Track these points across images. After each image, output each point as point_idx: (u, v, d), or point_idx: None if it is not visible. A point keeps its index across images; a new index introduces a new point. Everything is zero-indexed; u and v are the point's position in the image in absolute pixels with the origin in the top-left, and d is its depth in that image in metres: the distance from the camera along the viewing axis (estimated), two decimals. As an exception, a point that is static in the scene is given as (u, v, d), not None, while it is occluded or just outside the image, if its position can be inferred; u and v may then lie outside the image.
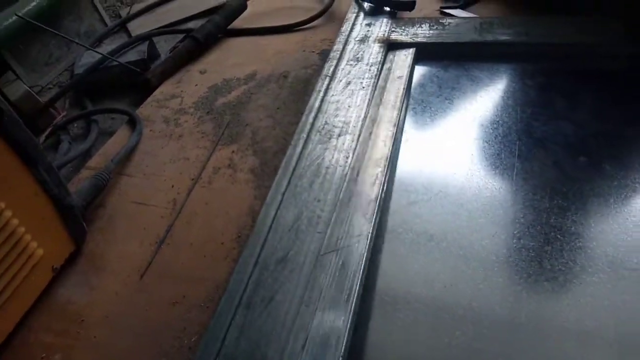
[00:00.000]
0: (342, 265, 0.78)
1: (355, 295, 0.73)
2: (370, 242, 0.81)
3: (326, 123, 1.06)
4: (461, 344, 0.71)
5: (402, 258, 0.83)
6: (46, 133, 1.31)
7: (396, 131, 1.03)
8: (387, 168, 0.95)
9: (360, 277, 0.75)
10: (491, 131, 1.03)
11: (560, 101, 1.09)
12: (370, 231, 0.82)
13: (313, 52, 1.47)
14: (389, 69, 1.23)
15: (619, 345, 0.69)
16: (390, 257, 0.84)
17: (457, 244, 0.83)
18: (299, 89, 1.31)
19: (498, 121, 1.05)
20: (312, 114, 1.09)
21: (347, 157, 0.96)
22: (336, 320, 0.70)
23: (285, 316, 0.72)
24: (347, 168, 0.94)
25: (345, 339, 0.68)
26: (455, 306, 0.75)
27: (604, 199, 0.88)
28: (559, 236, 0.82)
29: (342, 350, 0.67)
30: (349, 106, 1.10)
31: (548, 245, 0.81)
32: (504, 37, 1.23)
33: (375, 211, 0.86)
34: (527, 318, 0.73)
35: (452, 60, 1.25)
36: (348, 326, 0.69)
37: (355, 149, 0.99)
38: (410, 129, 1.08)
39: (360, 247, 0.80)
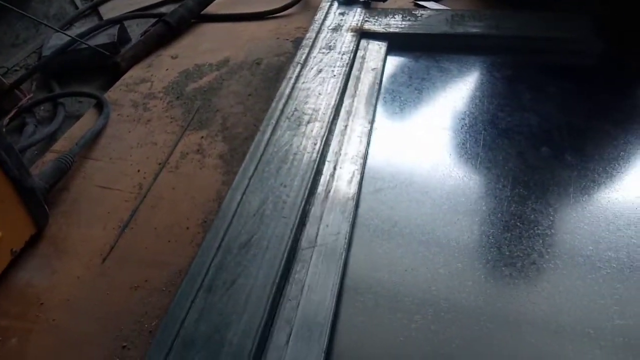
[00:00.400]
0: (322, 261, 0.79)
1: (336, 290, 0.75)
2: (348, 241, 0.82)
3: (296, 110, 1.06)
4: (420, 327, 0.72)
5: (366, 243, 0.84)
6: (10, 115, 1.27)
7: (371, 127, 1.04)
8: (363, 166, 0.96)
9: (339, 274, 0.77)
10: (458, 121, 1.05)
11: (527, 94, 1.11)
12: (348, 230, 0.83)
13: (287, 40, 1.46)
14: (363, 58, 1.24)
15: (572, 329, 0.71)
16: (355, 242, 0.84)
17: (419, 230, 0.84)
18: (272, 76, 1.31)
19: (465, 112, 1.07)
20: (282, 101, 1.09)
21: (315, 144, 0.97)
22: (318, 316, 0.72)
23: (246, 299, 0.72)
24: (314, 154, 0.94)
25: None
26: (415, 290, 0.76)
27: (563, 189, 0.90)
28: (518, 224, 0.84)
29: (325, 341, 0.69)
30: (319, 94, 1.10)
31: (508, 232, 0.83)
32: (474, 30, 1.25)
33: (353, 210, 0.87)
34: (485, 302, 0.74)
35: (423, 51, 1.26)
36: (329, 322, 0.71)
37: (323, 136, 0.99)
38: (379, 117, 1.09)
39: (339, 245, 0.81)
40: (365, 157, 0.98)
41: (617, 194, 0.88)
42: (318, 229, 0.84)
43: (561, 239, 0.82)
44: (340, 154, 0.99)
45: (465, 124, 1.04)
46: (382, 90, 1.17)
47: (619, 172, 0.92)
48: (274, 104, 1.09)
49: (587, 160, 0.95)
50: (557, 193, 0.89)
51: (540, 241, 0.81)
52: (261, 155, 0.96)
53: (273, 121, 1.04)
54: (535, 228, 0.83)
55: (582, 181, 0.91)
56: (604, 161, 0.94)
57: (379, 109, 1.12)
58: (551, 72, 1.18)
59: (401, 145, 1.03)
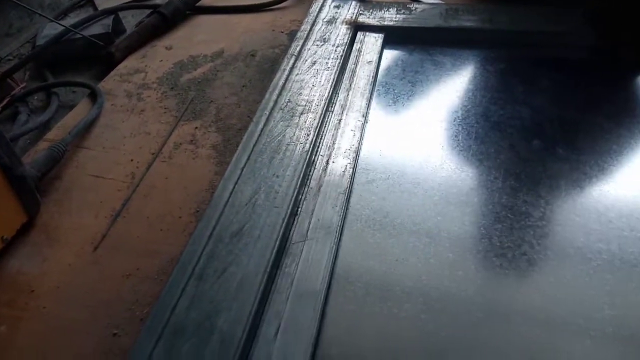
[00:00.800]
0: (312, 255, 0.79)
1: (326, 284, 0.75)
2: (339, 234, 0.82)
3: (289, 101, 1.06)
4: (410, 316, 0.72)
5: (357, 233, 0.84)
6: (3, 104, 1.27)
7: (365, 121, 1.04)
8: (356, 160, 0.96)
9: (329, 268, 0.77)
10: (450, 114, 1.05)
11: (520, 87, 1.11)
12: (340, 224, 0.83)
13: (282, 32, 1.46)
14: (359, 50, 1.24)
15: (562, 319, 0.71)
16: (346, 232, 0.84)
17: (411, 221, 0.84)
18: (266, 68, 1.31)
19: (458, 104, 1.07)
20: (276, 92, 1.09)
21: (307, 135, 0.97)
22: (305, 308, 0.72)
23: (237, 287, 0.72)
24: (307, 145, 0.94)
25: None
26: (406, 279, 0.76)
27: (555, 181, 0.90)
28: (509, 215, 0.84)
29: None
30: (313, 85, 1.10)
31: (499, 223, 0.83)
32: (468, 24, 1.25)
33: (344, 204, 0.87)
34: (475, 292, 0.75)
35: (417, 45, 1.26)
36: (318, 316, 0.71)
37: (316, 127, 0.99)
38: (372, 110, 1.09)
39: (330, 240, 0.81)
40: (358, 151, 0.98)
41: (608, 187, 0.89)
42: (310, 222, 0.84)
43: (552, 231, 0.82)
44: (333, 148, 0.98)
45: (458, 117, 1.04)
46: (377, 83, 1.17)
47: (610, 165, 0.93)
48: (267, 95, 1.09)
49: (579, 153, 0.96)
50: (548, 185, 0.90)
51: (531, 232, 0.82)
52: (254, 146, 0.96)
53: (266, 112, 1.04)
54: (527, 220, 0.84)
55: (574, 174, 0.91)
56: (596, 154, 0.95)
57: (373, 101, 1.12)
58: (544, 66, 1.18)
59: (394, 137, 1.03)
